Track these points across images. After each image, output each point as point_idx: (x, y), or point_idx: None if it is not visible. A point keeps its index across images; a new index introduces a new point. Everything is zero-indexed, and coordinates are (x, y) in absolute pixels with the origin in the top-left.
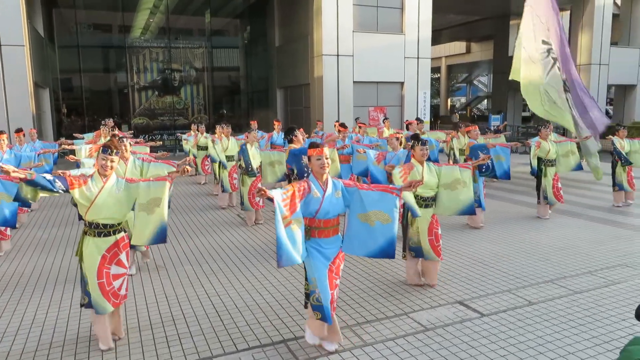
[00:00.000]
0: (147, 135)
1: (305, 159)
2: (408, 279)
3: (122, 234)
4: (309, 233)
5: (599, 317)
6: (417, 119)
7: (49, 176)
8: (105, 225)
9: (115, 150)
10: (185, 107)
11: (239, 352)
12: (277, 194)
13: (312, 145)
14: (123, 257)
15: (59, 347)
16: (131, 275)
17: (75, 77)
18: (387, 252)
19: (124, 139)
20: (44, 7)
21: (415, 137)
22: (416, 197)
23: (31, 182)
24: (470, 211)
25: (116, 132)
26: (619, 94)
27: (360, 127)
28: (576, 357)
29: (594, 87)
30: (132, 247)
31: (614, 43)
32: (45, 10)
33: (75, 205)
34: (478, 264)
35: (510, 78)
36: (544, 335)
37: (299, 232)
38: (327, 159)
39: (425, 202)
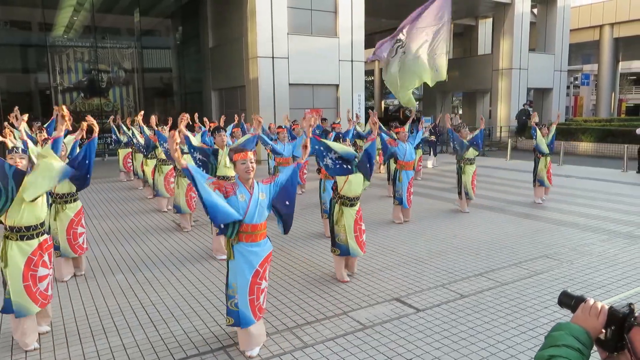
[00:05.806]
0: None
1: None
2: (337, 276)
3: (45, 236)
4: (237, 237)
5: (524, 307)
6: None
7: None
8: (28, 228)
9: (15, 149)
10: (114, 110)
11: None
12: (194, 168)
13: (236, 150)
14: (46, 258)
15: None
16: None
17: None
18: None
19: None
20: None
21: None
22: (341, 197)
23: None
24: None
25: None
26: (538, 96)
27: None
28: (505, 345)
29: (515, 90)
30: (57, 248)
31: (531, 49)
32: None
33: None
34: (414, 261)
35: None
36: (475, 327)
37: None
38: (252, 162)
39: (351, 202)
